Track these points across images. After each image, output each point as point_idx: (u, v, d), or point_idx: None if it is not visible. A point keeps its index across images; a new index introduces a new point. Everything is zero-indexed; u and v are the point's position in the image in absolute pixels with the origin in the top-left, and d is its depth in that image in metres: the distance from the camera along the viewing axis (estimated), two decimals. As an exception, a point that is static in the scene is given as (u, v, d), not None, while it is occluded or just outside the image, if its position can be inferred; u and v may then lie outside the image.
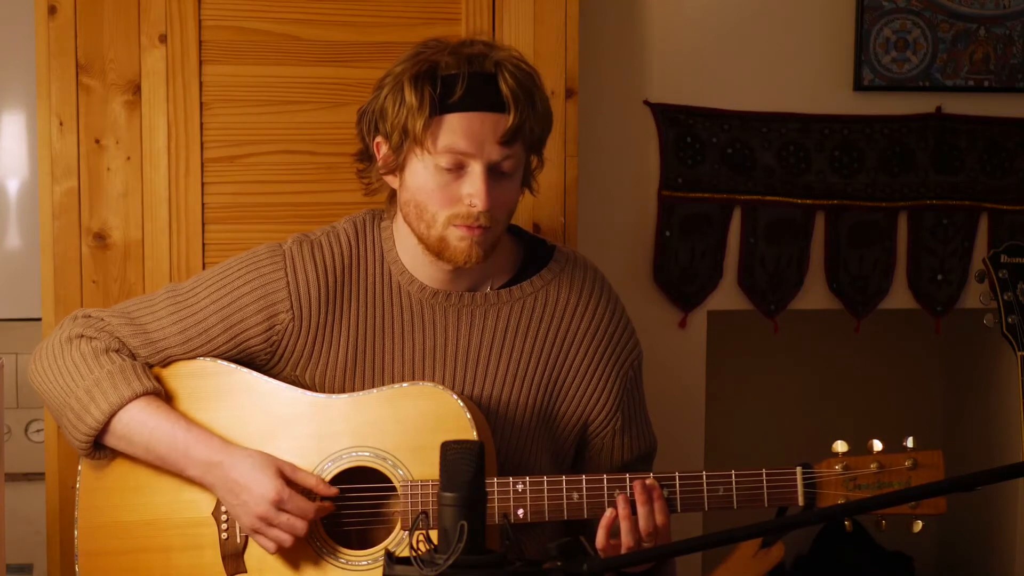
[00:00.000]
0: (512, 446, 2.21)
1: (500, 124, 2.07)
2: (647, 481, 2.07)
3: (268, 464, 2.10)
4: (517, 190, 2.16)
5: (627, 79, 2.94)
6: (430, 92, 2.06)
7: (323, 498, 2.10)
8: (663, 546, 2.05)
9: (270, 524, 2.08)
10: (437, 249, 2.12)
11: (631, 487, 2.07)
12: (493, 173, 2.09)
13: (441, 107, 2.07)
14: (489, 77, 2.08)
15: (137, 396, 2.13)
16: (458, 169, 2.08)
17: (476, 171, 2.07)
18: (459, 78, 2.06)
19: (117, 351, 2.17)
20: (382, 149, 2.16)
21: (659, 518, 2.05)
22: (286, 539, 2.09)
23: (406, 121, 2.08)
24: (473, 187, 2.07)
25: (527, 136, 2.11)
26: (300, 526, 2.08)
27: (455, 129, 2.06)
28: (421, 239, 2.14)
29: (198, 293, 2.21)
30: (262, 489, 2.07)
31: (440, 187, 2.09)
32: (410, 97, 2.07)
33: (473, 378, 2.20)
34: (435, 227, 2.11)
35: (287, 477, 2.09)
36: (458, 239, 2.10)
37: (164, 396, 2.17)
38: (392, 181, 2.18)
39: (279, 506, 2.07)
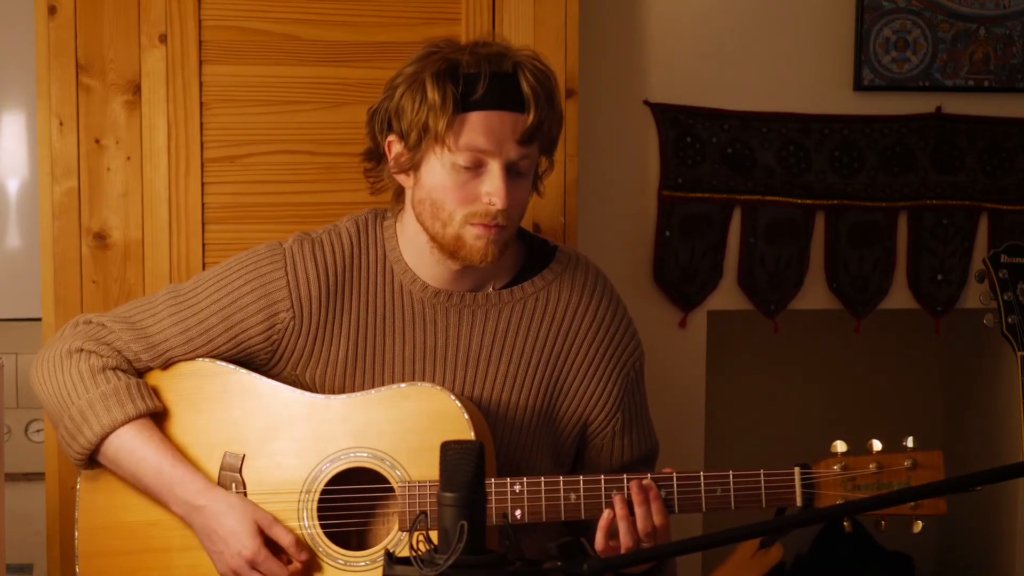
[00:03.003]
0: (513, 446, 2.21)
1: (519, 123, 2.08)
2: (644, 482, 2.07)
3: (247, 517, 2.10)
4: (530, 190, 2.17)
5: (627, 79, 2.94)
6: (452, 90, 2.06)
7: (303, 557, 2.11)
8: (663, 546, 2.05)
9: None
10: (452, 248, 2.12)
11: (628, 488, 2.07)
12: (510, 172, 2.09)
13: (463, 105, 2.06)
14: (509, 76, 2.08)
15: (129, 419, 2.13)
16: (477, 167, 2.08)
17: (495, 170, 2.07)
18: (481, 76, 2.06)
19: (115, 368, 2.17)
20: (394, 148, 2.15)
21: (657, 519, 2.05)
22: None
23: (427, 119, 2.07)
24: (492, 186, 2.07)
25: (544, 136, 2.12)
26: None
27: (476, 127, 2.06)
28: (435, 238, 2.14)
29: (199, 293, 2.21)
30: (238, 546, 2.08)
31: (458, 185, 2.09)
32: (432, 95, 2.06)
33: (474, 378, 2.20)
34: (451, 225, 2.11)
35: (264, 531, 2.10)
36: (474, 238, 2.10)
37: (161, 411, 2.17)
38: (404, 180, 2.17)
39: (252, 566, 2.09)
